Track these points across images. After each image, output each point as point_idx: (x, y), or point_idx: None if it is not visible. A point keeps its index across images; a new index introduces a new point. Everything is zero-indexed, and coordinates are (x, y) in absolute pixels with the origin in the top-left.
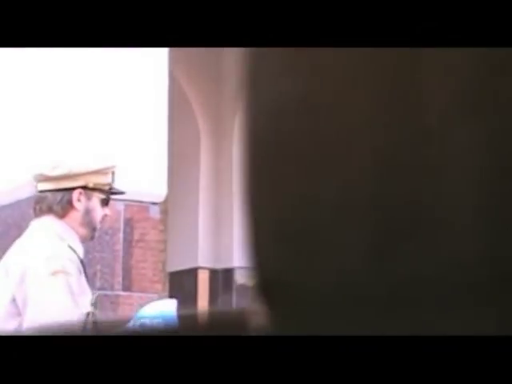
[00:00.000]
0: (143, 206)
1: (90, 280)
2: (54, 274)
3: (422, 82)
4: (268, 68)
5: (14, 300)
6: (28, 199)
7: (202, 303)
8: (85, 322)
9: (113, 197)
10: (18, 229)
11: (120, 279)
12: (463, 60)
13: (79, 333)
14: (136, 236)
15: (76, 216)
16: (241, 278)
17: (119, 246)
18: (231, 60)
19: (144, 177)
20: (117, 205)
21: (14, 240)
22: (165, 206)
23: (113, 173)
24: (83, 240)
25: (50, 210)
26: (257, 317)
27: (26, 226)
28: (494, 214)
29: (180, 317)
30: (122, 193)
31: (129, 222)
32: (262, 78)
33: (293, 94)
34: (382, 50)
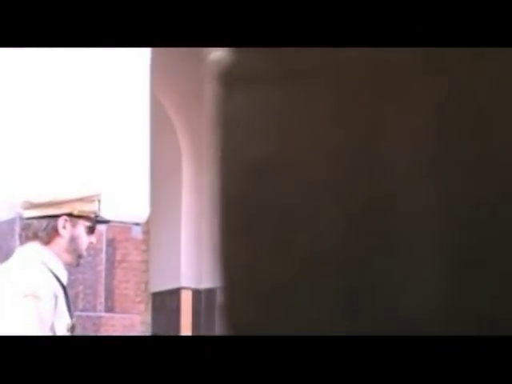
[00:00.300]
0: (125, 226)
1: (73, 302)
2: (24, 297)
3: (382, 146)
4: (238, 131)
5: None
6: (9, 221)
7: (185, 323)
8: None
9: (101, 224)
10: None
11: (102, 300)
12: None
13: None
14: (118, 257)
15: (61, 243)
16: None
17: (101, 267)
18: (211, 74)
19: (126, 197)
20: (99, 226)
21: None
22: (147, 227)
23: (99, 201)
24: (68, 266)
25: (35, 237)
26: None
27: (7, 247)
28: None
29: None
30: (107, 222)
31: (111, 243)
32: (232, 141)
33: (262, 154)
34: (346, 116)
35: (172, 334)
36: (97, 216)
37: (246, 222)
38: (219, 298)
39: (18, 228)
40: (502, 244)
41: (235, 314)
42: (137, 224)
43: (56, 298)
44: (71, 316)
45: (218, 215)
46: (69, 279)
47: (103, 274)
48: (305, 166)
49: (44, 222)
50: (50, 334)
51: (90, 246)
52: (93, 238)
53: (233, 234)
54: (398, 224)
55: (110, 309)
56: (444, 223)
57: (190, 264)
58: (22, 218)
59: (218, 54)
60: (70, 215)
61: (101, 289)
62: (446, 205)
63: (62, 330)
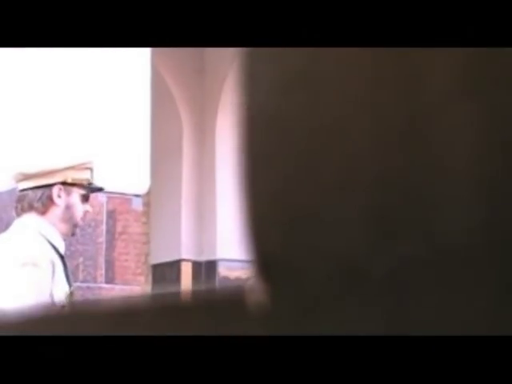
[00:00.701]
0: (126, 198)
1: (73, 273)
2: (23, 265)
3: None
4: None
5: None
6: (9, 192)
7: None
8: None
9: (95, 191)
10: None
11: (103, 271)
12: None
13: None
14: (119, 228)
15: (57, 212)
16: (224, 270)
17: (102, 239)
18: (214, 54)
19: (127, 169)
20: (99, 197)
21: None
22: (147, 199)
23: (91, 169)
24: (64, 235)
25: (31, 208)
26: (256, 294)
27: (7, 218)
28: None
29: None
30: (101, 189)
31: (111, 215)
32: (261, 56)
33: (293, 71)
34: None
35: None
36: (90, 183)
37: (272, 143)
38: (245, 227)
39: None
40: None
41: (262, 242)
42: (137, 196)
43: (54, 266)
44: (70, 284)
45: (243, 138)
46: (69, 250)
47: (104, 245)
48: (335, 84)
49: (39, 192)
50: (48, 301)
51: (87, 215)
52: (88, 207)
53: (259, 158)
54: (435, 143)
55: (110, 280)
56: (482, 146)
57: (191, 236)
58: (16, 190)
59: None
60: (63, 184)
61: (101, 260)
62: (486, 127)
63: (60, 298)
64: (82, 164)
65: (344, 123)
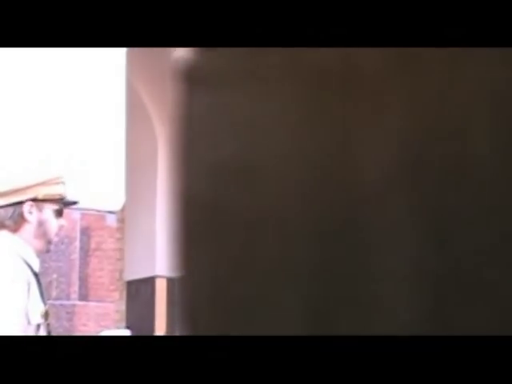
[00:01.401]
0: (100, 214)
1: (46, 290)
2: None
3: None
4: (203, 132)
5: None
6: None
7: (160, 312)
8: (35, 333)
9: (69, 205)
10: None
11: (76, 288)
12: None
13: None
14: (93, 245)
15: (29, 229)
16: None
17: (76, 255)
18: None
19: (101, 185)
20: (73, 214)
21: None
22: (122, 215)
23: (63, 183)
24: (38, 252)
25: (2, 226)
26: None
27: None
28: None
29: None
30: (74, 203)
31: (85, 231)
32: (199, 142)
33: (228, 157)
34: (317, 119)
35: (146, 322)
36: (63, 198)
37: (209, 228)
38: (181, 311)
39: None
40: (474, 257)
41: (198, 327)
42: (112, 212)
43: (29, 284)
44: (44, 303)
45: (180, 220)
46: (42, 267)
47: (77, 262)
48: (272, 171)
49: (10, 210)
50: (24, 320)
51: (61, 230)
52: (62, 221)
53: (196, 241)
54: (372, 232)
55: (83, 297)
56: (418, 234)
57: (165, 252)
58: None
59: (181, 53)
60: (34, 200)
61: (75, 277)
62: (420, 214)
63: (36, 317)
64: (54, 179)
65: (281, 212)
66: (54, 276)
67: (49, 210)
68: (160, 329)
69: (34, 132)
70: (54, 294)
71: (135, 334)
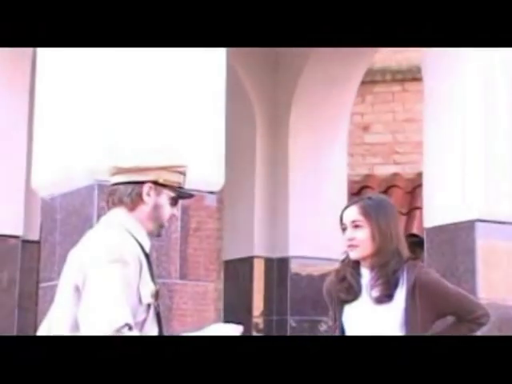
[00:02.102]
0: (200, 195)
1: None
2: (111, 263)
3: None
4: None
5: (76, 288)
6: (87, 187)
7: (258, 291)
8: (145, 313)
9: (184, 197)
10: (78, 216)
11: (177, 267)
12: None
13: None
14: (193, 224)
15: (144, 210)
16: (296, 266)
17: (177, 235)
18: (288, 49)
19: (201, 167)
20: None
21: (74, 227)
22: (221, 196)
23: (184, 173)
24: (150, 234)
25: (120, 202)
26: None
27: (86, 214)
28: None
29: None
30: (191, 196)
31: (186, 211)
32: None
33: None
34: None
35: (244, 302)
36: (181, 188)
37: None
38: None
39: (96, 195)
40: None
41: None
42: (211, 192)
43: (141, 264)
44: (154, 282)
45: None
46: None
47: (178, 241)
48: None
49: (129, 188)
50: (135, 299)
51: (172, 218)
52: (175, 210)
53: None
54: None
55: (183, 276)
56: None
57: (263, 233)
58: (104, 185)
59: None
60: (155, 183)
61: (175, 256)
62: None
63: (146, 296)
64: (176, 167)
65: None
66: (155, 255)
67: (166, 195)
68: (257, 308)
69: (141, 114)
70: (155, 272)
71: (232, 313)
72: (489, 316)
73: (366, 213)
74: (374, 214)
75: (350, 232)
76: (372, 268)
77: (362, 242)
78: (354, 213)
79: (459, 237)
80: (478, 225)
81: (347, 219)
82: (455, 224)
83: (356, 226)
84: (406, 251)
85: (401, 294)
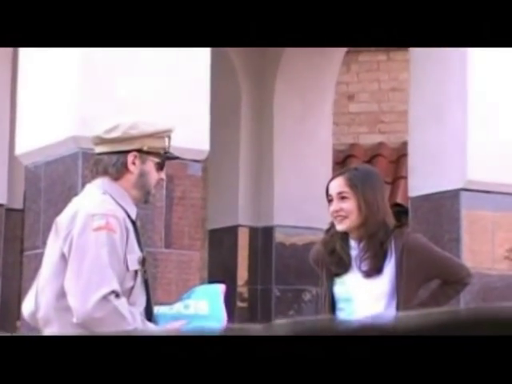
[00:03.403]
0: (185, 163)
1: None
2: (97, 229)
3: None
4: None
5: (62, 255)
6: (72, 155)
7: (242, 261)
8: (132, 280)
9: (171, 160)
10: (63, 184)
11: (162, 236)
12: None
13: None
14: (178, 193)
15: (130, 178)
16: (280, 236)
17: (162, 203)
18: None
19: (186, 135)
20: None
21: (58, 195)
22: (206, 165)
23: (168, 137)
24: (137, 202)
25: (105, 172)
26: None
27: (70, 182)
28: None
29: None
30: (176, 158)
31: (171, 180)
32: None
33: None
34: None
35: (229, 271)
36: (166, 152)
37: None
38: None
39: (80, 163)
40: None
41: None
42: (196, 161)
43: (128, 231)
44: (141, 249)
45: None
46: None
47: (163, 210)
48: None
49: (114, 158)
50: (122, 266)
51: (159, 183)
52: (162, 175)
53: None
54: None
55: (168, 245)
56: None
57: (248, 202)
58: (89, 153)
59: None
60: (139, 151)
61: (160, 225)
62: None
63: (133, 263)
64: (161, 132)
65: None
66: (138, 223)
67: (151, 162)
68: (242, 278)
69: (135, 85)
70: (141, 240)
71: (218, 282)
72: (472, 276)
73: (352, 184)
74: (361, 185)
75: (336, 203)
76: (360, 240)
77: (348, 213)
78: (340, 184)
79: (444, 206)
80: (463, 194)
81: (333, 190)
82: (440, 193)
83: (342, 198)
84: (392, 222)
85: (390, 266)
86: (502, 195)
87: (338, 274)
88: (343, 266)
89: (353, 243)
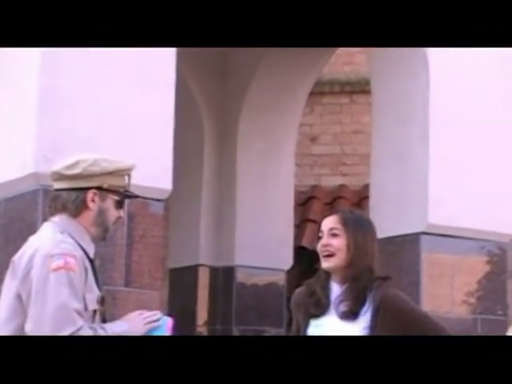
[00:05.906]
0: (146, 201)
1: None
2: (56, 269)
3: None
4: None
5: (18, 296)
6: (32, 192)
7: (202, 300)
8: (91, 319)
9: (130, 198)
10: (22, 221)
11: (122, 274)
12: None
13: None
14: (139, 231)
15: (89, 216)
16: (241, 276)
17: (123, 241)
18: (237, 57)
19: (148, 173)
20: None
21: (18, 232)
22: (167, 203)
23: (129, 175)
24: (95, 240)
25: (63, 209)
26: None
27: (30, 219)
28: None
29: None
30: (136, 196)
31: (132, 218)
32: None
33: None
34: None
35: (188, 311)
36: (126, 190)
37: None
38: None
39: (41, 200)
40: None
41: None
42: (158, 200)
43: (86, 270)
44: (100, 289)
45: None
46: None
47: (124, 248)
48: None
49: (73, 195)
50: (81, 306)
51: (118, 221)
52: (121, 213)
53: None
54: None
55: (128, 283)
56: None
57: (209, 241)
58: (50, 190)
59: None
60: (99, 188)
61: (121, 263)
62: None
63: (92, 303)
64: (122, 170)
65: None
66: (98, 261)
67: (111, 200)
68: (201, 318)
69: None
70: (100, 279)
71: (176, 322)
72: (447, 333)
73: (345, 223)
74: (353, 225)
75: (326, 239)
76: (343, 282)
77: (336, 250)
78: (333, 221)
79: (404, 249)
80: (423, 237)
81: (325, 226)
82: (400, 236)
83: (333, 234)
84: (377, 271)
85: (366, 313)
86: (462, 239)
87: (316, 316)
88: (321, 308)
89: (334, 286)
